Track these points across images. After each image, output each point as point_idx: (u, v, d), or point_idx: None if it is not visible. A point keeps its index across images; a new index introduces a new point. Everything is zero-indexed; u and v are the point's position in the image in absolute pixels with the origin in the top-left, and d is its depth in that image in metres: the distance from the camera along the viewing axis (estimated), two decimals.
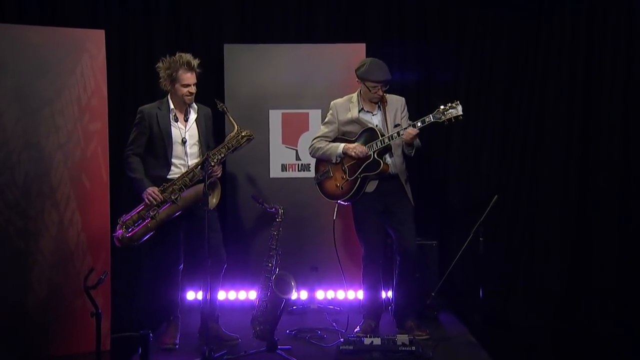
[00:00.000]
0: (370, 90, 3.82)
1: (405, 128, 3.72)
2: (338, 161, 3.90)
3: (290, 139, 4.72)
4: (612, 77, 4.81)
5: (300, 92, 4.70)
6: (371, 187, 3.88)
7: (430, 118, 3.66)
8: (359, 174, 3.83)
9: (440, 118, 3.63)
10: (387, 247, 4.11)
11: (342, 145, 3.89)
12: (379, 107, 3.93)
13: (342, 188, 3.88)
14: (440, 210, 5.00)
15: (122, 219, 3.69)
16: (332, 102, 4.02)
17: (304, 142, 4.66)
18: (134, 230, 3.67)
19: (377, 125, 3.88)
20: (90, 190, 3.80)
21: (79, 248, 3.76)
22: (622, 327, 4.31)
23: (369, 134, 3.84)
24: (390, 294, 4.36)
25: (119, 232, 3.66)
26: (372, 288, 4.02)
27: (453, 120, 3.62)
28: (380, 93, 3.82)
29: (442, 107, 3.65)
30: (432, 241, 4.49)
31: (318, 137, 4.02)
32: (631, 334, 4.20)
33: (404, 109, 3.96)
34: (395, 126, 3.85)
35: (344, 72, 4.62)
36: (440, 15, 4.96)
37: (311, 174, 4.49)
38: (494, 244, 4.88)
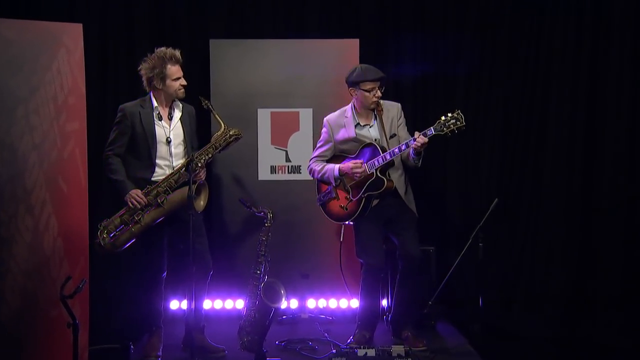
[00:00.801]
0: (367, 94, 3.81)
1: (414, 138, 3.67)
2: (338, 183, 3.91)
3: (279, 140, 4.71)
4: (619, 75, 4.84)
5: (290, 90, 4.69)
6: (373, 202, 3.90)
7: (431, 131, 3.65)
8: (363, 193, 3.84)
9: (442, 130, 3.62)
10: (388, 257, 4.10)
11: (337, 167, 3.89)
12: (374, 116, 3.93)
13: (346, 209, 3.89)
14: (437, 214, 5.00)
15: (103, 224, 3.68)
16: (325, 119, 4.02)
17: (294, 143, 4.69)
18: (117, 236, 3.66)
19: (376, 140, 3.88)
20: (68, 193, 3.76)
21: (55, 255, 3.72)
22: (629, 338, 4.33)
23: (370, 151, 3.84)
24: (385, 302, 4.36)
25: (100, 238, 3.65)
26: (370, 299, 4.03)
27: (456, 131, 3.63)
28: (379, 94, 3.81)
29: (443, 118, 3.63)
30: (430, 247, 4.49)
31: (314, 157, 4.02)
32: (638, 345, 4.21)
33: (400, 115, 3.96)
34: (392, 137, 3.86)
35: (336, 69, 4.61)
36: (438, 9, 4.97)
37: (302, 176, 4.55)
38: (495, 250, 4.89)
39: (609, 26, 4.84)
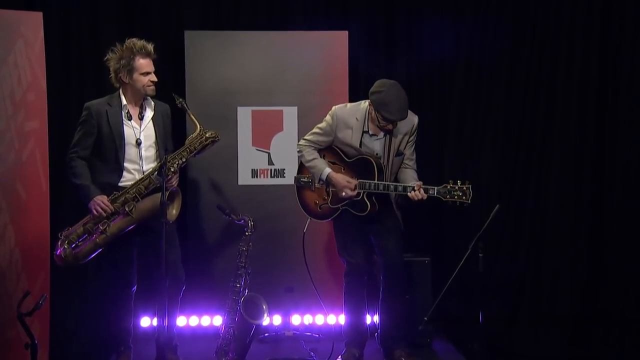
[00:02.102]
0: (378, 122, 3.81)
1: (414, 187, 3.70)
2: (321, 184, 3.93)
3: (261, 141, 4.71)
4: (631, 65, 4.85)
5: (273, 87, 4.68)
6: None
7: (434, 191, 3.70)
8: (342, 206, 3.89)
9: (444, 196, 3.68)
10: (373, 263, 4.12)
11: (328, 171, 3.90)
12: (385, 132, 3.90)
13: (320, 208, 3.94)
14: (433, 222, 5.01)
15: (64, 234, 3.65)
16: (334, 108, 3.96)
17: (278, 144, 4.69)
18: (80, 247, 3.64)
19: (377, 154, 3.90)
20: (27, 199, 3.75)
21: (12, 268, 3.71)
22: None
23: (367, 169, 3.85)
24: (376, 318, 4.35)
25: (61, 249, 3.62)
26: (355, 310, 4.03)
27: (457, 204, 3.66)
28: (389, 128, 3.82)
29: (451, 184, 3.68)
30: (425, 258, 4.50)
31: (308, 141, 4.01)
32: None
33: (414, 132, 3.96)
34: (397, 154, 3.89)
35: (323, 64, 4.63)
36: None
37: (286, 180, 4.55)
38: (496, 261, 4.90)
39: (620, 20, 4.86)
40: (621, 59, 4.87)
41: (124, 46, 3.71)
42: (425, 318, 4.19)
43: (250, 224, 4.04)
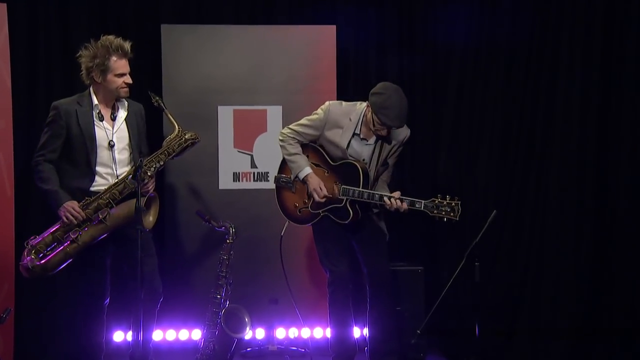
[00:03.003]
0: (374, 126, 3.83)
1: (391, 197, 3.74)
2: (293, 182, 3.96)
3: (244, 142, 4.70)
4: (636, 62, 4.85)
5: (256, 85, 4.69)
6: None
7: (421, 205, 3.73)
8: (323, 212, 3.91)
9: (431, 211, 3.71)
10: (358, 270, 4.13)
11: (308, 172, 3.91)
12: (377, 138, 3.95)
13: (300, 212, 3.97)
14: (426, 228, 4.98)
15: (30, 243, 3.63)
16: (328, 103, 3.98)
17: (261, 146, 4.68)
18: (48, 257, 3.62)
19: (364, 160, 3.92)
20: None
21: None
22: None
23: (352, 175, 3.86)
24: (366, 331, 4.34)
25: (28, 259, 3.59)
26: (341, 323, 4.03)
27: (445, 220, 3.70)
28: (384, 134, 3.85)
29: (439, 198, 3.71)
30: (418, 267, 4.49)
31: (293, 130, 4.00)
32: None
33: (403, 144, 4.00)
34: (383, 164, 3.92)
35: (310, 60, 4.63)
36: None
37: (270, 184, 4.53)
38: (493, 271, 4.90)
39: (625, 14, 4.87)
40: (626, 57, 4.88)
41: (99, 43, 3.68)
42: (418, 331, 4.22)
43: (231, 230, 4.05)
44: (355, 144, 3.92)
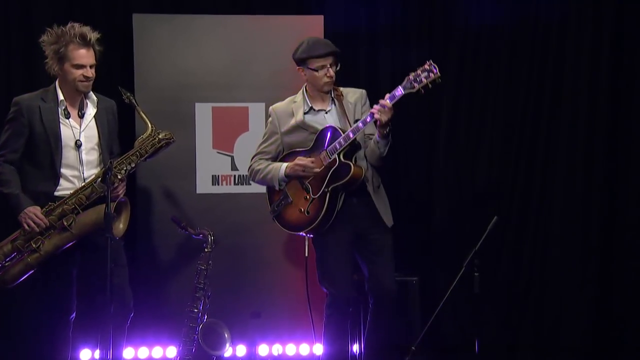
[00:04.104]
0: (316, 74, 3.84)
1: (372, 110, 3.70)
2: (282, 186, 3.90)
3: (223, 142, 4.70)
4: None
5: (237, 80, 4.69)
6: (341, 199, 3.87)
7: (400, 91, 3.69)
8: (326, 186, 3.80)
9: (412, 87, 3.66)
10: (359, 288, 4.09)
11: (285, 165, 3.88)
12: (333, 101, 3.95)
13: (308, 212, 3.85)
14: (422, 236, 5.01)
15: None
16: (270, 108, 4.05)
17: (242, 147, 4.65)
18: (7, 268, 3.60)
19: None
20: None
21: None
22: None
23: (329, 135, 3.83)
24: (356, 347, 4.35)
25: None
26: (336, 341, 4.00)
27: (430, 86, 3.64)
28: (331, 73, 3.84)
29: (412, 74, 3.67)
30: (412, 277, 4.49)
31: (255, 155, 4.03)
32: None
33: (366, 101, 3.99)
34: (356, 121, 3.88)
35: None
36: None
37: (252, 188, 4.52)
38: (494, 281, 4.90)
39: (636, 6, 4.90)
40: (636, 52, 4.90)
41: (60, 29, 3.66)
42: (413, 347, 4.23)
43: (210, 238, 4.08)
44: (312, 118, 3.91)
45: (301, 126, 3.90)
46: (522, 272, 5.01)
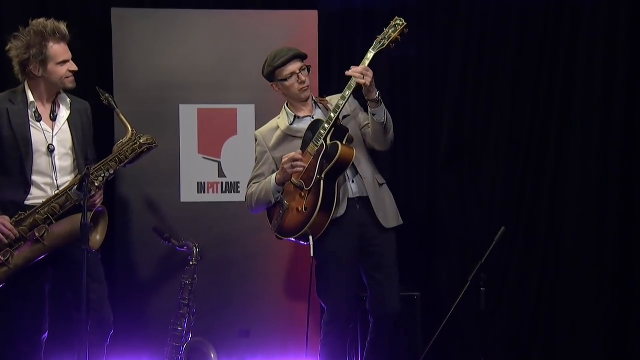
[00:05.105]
0: (288, 83, 3.88)
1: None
2: (278, 198, 3.89)
3: (210, 147, 4.69)
4: None
5: (224, 80, 4.70)
6: (339, 211, 3.86)
7: (371, 53, 3.78)
8: (318, 173, 3.80)
9: (383, 44, 3.78)
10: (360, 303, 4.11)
11: (274, 174, 3.90)
12: (316, 105, 4.00)
13: (305, 209, 3.84)
14: (424, 248, 5.02)
15: None
16: (256, 133, 4.11)
17: (230, 151, 4.67)
18: None
19: None
20: None
21: None
22: None
23: (312, 130, 3.87)
24: None
25: None
26: None
27: (399, 38, 3.77)
28: (302, 78, 3.88)
29: (379, 36, 3.82)
30: (414, 292, 4.50)
31: (249, 182, 4.05)
32: None
33: (354, 100, 4.04)
34: (346, 117, 3.92)
35: None
36: None
37: (241, 196, 4.52)
38: (501, 297, 4.92)
39: None
40: None
41: (30, 30, 3.65)
42: None
43: (195, 251, 4.11)
44: (298, 125, 3.95)
45: (288, 133, 3.93)
46: (531, 287, 5.01)
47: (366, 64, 3.74)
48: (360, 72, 3.69)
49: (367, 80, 3.68)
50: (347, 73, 3.72)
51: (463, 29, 5.01)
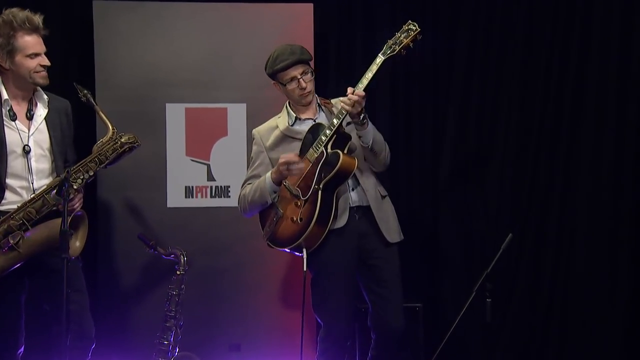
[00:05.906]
0: (288, 88, 3.87)
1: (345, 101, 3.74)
2: (275, 198, 3.87)
3: (198, 149, 4.69)
4: None
5: (214, 77, 4.70)
6: (339, 222, 3.84)
7: (380, 58, 3.73)
8: (316, 183, 3.78)
9: (394, 50, 3.73)
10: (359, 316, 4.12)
11: (269, 173, 3.89)
12: (320, 108, 3.97)
13: (300, 220, 3.82)
14: (427, 257, 5.02)
15: None
16: (253, 131, 4.09)
17: (220, 153, 4.67)
18: None
19: None
20: None
21: None
22: None
23: (312, 134, 3.85)
24: None
25: None
26: None
27: (411, 45, 3.71)
28: (304, 84, 3.85)
29: (391, 39, 3.76)
30: (416, 304, 4.51)
31: (244, 183, 4.03)
32: None
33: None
34: (349, 123, 3.88)
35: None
36: None
37: (231, 201, 4.58)
38: (509, 309, 4.92)
39: None
40: None
41: (1, 19, 3.63)
42: None
43: (182, 259, 4.11)
44: (299, 127, 3.93)
45: (287, 134, 3.91)
46: (540, 297, 5.00)
47: (369, 77, 3.70)
48: (348, 102, 3.65)
49: (356, 109, 3.66)
50: (342, 102, 3.68)
51: (469, 22, 5.02)
